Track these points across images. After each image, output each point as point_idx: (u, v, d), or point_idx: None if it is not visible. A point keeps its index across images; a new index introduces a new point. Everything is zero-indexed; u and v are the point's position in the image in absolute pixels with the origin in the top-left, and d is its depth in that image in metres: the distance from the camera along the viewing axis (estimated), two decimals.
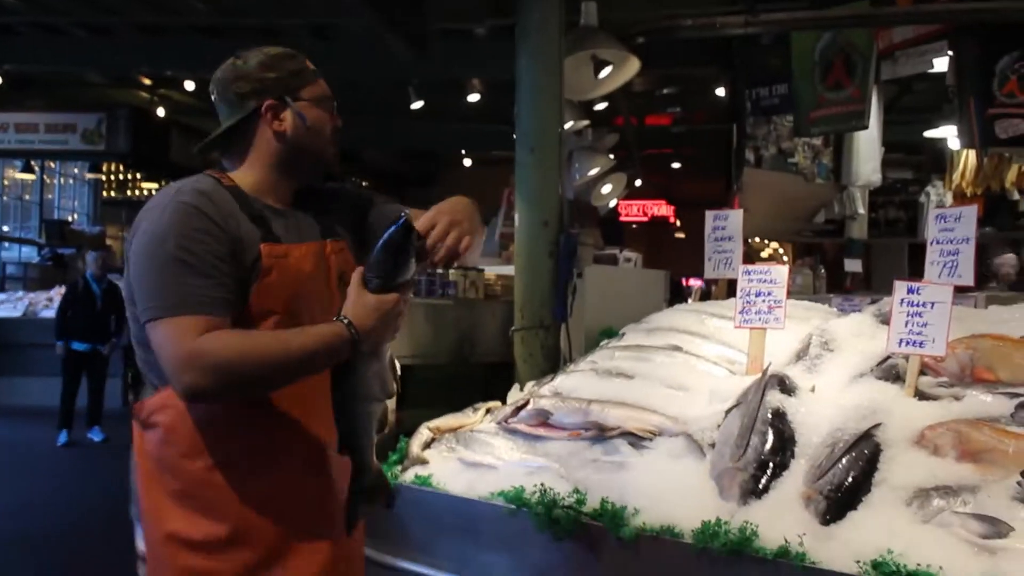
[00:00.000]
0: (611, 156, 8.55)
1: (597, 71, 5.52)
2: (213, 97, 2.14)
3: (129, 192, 18.53)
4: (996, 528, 2.05)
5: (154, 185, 18.14)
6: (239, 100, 2.09)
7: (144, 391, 2.06)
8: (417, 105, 11.23)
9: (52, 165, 18.31)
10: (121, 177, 18.29)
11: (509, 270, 4.30)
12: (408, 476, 3.03)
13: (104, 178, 18.22)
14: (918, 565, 2.02)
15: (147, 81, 13.13)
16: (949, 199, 9.82)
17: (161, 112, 13.62)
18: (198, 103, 13.07)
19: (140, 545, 2.12)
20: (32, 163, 15.73)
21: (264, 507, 2.00)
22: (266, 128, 2.09)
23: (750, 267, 3.26)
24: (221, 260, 1.92)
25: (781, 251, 16.10)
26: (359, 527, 2.22)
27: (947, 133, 7.96)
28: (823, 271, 8.70)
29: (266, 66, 2.09)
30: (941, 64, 6.45)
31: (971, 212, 3.34)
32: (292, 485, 2.05)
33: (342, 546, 2.13)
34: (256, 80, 2.08)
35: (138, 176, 17.82)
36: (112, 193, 18.64)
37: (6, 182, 18.27)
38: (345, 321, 1.90)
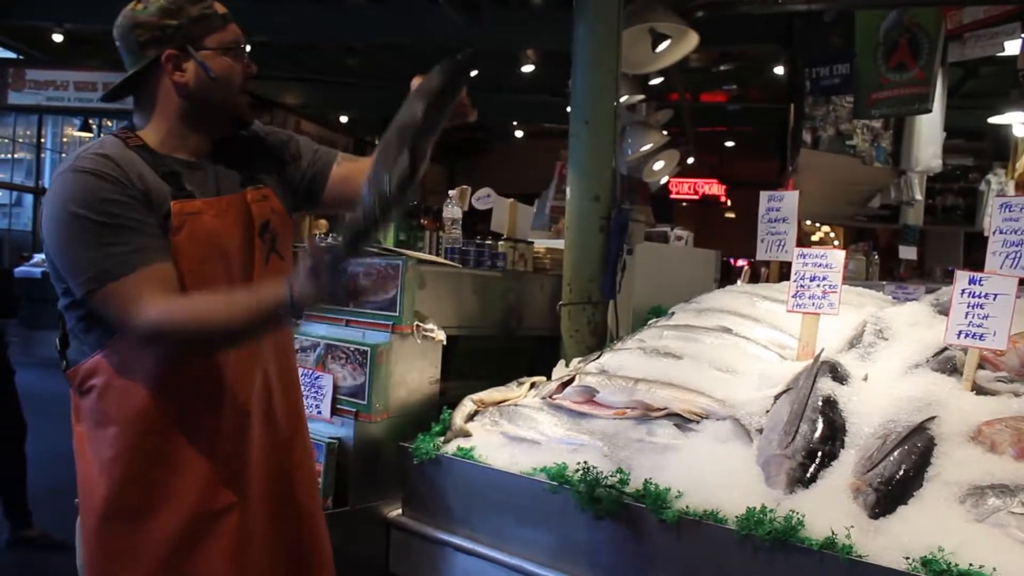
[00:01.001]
0: (664, 132, 8.45)
1: (655, 45, 5.44)
2: (117, 44, 2.03)
3: None
4: None
5: None
6: (139, 49, 1.99)
7: (73, 356, 2.07)
8: (471, 74, 11.18)
9: (109, 124, 18.56)
10: None
11: (559, 244, 4.25)
12: (451, 448, 3.03)
13: None
14: (970, 565, 1.96)
15: None
16: (1011, 188, 9.58)
17: None
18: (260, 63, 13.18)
19: None
20: (90, 121, 15.91)
21: (189, 474, 2.03)
22: (168, 80, 2.01)
23: (805, 250, 3.18)
24: (139, 214, 1.92)
25: (832, 235, 15.88)
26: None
27: (1013, 119, 7.76)
28: (876, 257, 8.55)
29: (166, 12, 1.97)
30: (1012, 47, 6.27)
31: None
32: (216, 451, 2.06)
33: (262, 511, 2.16)
34: (155, 28, 1.97)
35: None
36: None
37: (64, 140, 18.53)
38: (287, 287, 1.86)
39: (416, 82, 2.02)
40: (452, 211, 4.30)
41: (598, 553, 2.61)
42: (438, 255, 4.03)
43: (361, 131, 18.67)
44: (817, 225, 17.00)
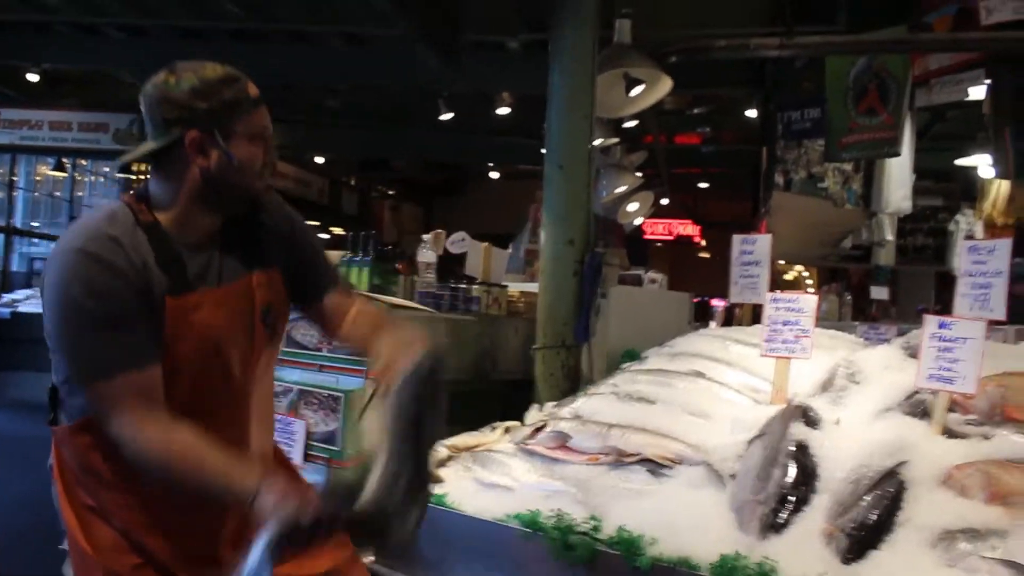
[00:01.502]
0: (639, 174, 8.52)
1: (629, 89, 5.49)
2: (141, 110, 1.97)
3: None
4: None
5: None
6: (164, 125, 1.93)
7: (60, 414, 2.06)
8: (446, 116, 11.25)
9: (83, 163, 18.50)
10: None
11: (533, 287, 4.27)
12: None
13: (134, 178, 18.35)
14: None
15: None
16: (979, 228, 9.70)
17: None
18: None
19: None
20: (64, 161, 15.85)
21: (155, 527, 2.07)
22: (190, 160, 1.94)
23: (778, 295, 3.21)
24: (137, 309, 1.89)
25: (806, 274, 16.01)
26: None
27: (979, 162, 7.89)
28: (849, 297, 8.63)
29: (198, 93, 1.91)
30: (976, 92, 6.39)
31: (1005, 245, 3.28)
32: (185, 511, 2.06)
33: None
34: (184, 107, 1.91)
35: None
36: None
37: (38, 179, 18.44)
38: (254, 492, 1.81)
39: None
40: (426, 255, 4.31)
41: None
42: (412, 299, 4.03)
43: (336, 172, 18.70)
44: (791, 265, 17.15)
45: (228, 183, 1.98)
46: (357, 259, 4.32)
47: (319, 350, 3.81)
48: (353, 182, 20.02)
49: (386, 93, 11.78)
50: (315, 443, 3.64)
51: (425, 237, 4.43)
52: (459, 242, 5.04)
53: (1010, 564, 2.02)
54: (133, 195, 2.02)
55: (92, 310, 1.85)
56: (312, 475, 3.59)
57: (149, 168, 2.03)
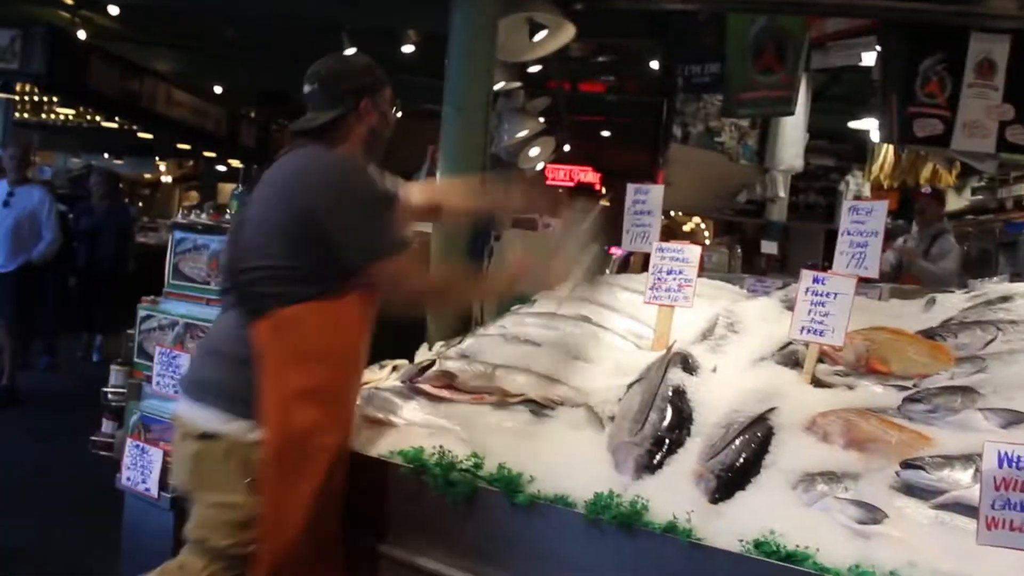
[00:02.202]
0: (541, 119, 8.52)
1: (532, 34, 5.48)
2: (313, 86, 2.69)
3: (44, 115, 17.81)
4: (872, 515, 2.12)
5: (70, 111, 17.40)
6: (343, 95, 2.67)
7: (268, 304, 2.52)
8: (350, 52, 11.01)
9: None
10: (36, 99, 17.55)
11: (427, 227, 4.26)
12: None
13: (16, 98, 17.43)
14: (796, 546, 2.08)
15: (69, 0, 12.56)
16: (867, 189, 10.06)
17: (82, 35, 13.01)
18: (122, 29, 12.58)
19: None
20: None
21: (347, 407, 2.73)
22: (361, 120, 2.69)
23: (664, 244, 3.29)
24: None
25: (703, 226, 16.34)
26: None
27: (869, 125, 8.16)
28: (739, 251, 8.85)
29: (367, 71, 2.74)
30: (869, 58, 6.58)
31: (882, 207, 3.42)
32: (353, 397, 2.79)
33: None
34: (359, 81, 2.70)
35: (53, 100, 17.12)
36: (25, 115, 17.87)
37: None
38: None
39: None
40: None
41: (452, 535, 2.64)
42: None
43: (235, 103, 18.12)
44: (689, 216, 17.48)
45: (383, 136, 2.79)
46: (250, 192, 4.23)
47: (207, 283, 3.75)
48: (253, 114, 19.48)
49: (286, 26, 11.43)
50: None
51: None
52: None
53: (859, 504, 2.15)
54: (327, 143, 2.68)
55: (379, 196, 2.66)
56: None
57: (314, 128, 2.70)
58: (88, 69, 13.37)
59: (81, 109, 17.26)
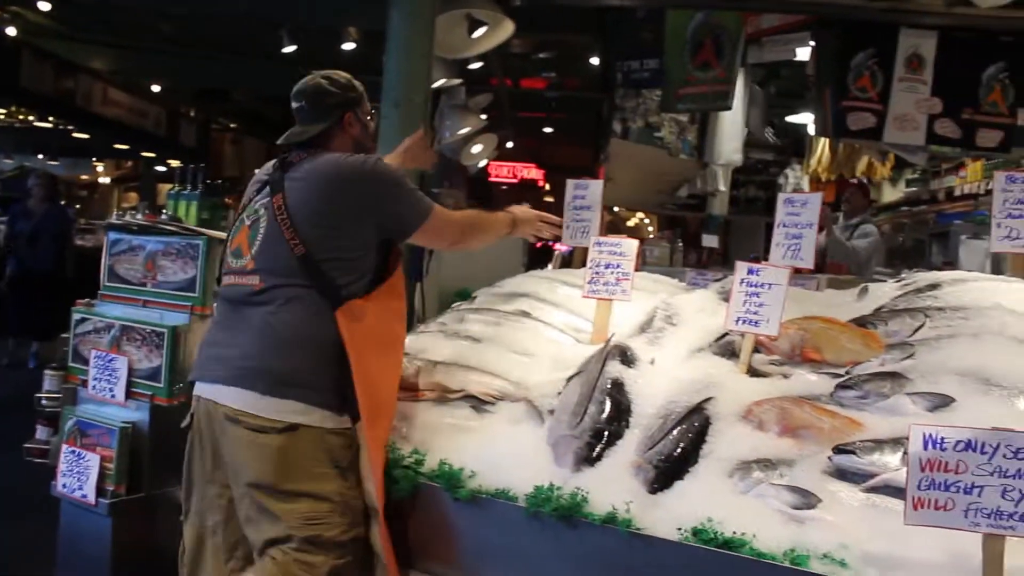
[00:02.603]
0: (483, 116, 8.51)
1: (471, 31, 5.48)
2: (301, 103, 2.91)
3: None
4: (806, 499, 2.17)
5: (1, 110, 16.97)
6: (329, 109, 2.89)
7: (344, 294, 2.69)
8: (289, 49, 10.89)
9: None
10: None
11: None
12: None
13: None
14: (734, 533, 2.12)
15: None
16: (806, 182, 10.23)
17: (12, 31, 12.67)
18: (55, 25, 12.28)
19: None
20: None
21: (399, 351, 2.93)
22: (345, 131, 2.92)
23: (601, 239, 3.32)
24: None
25: (647, 222, 16.46)
26: None
27: (806, 120, 8.29)
28: (680, 244, 8.94)
29: (350, 87, 2.94)
30: (804, 54, 6.69)
31: (816, 199, 3.49)
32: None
33: None
34: (342, 96, 2.91)
35: None
36: None
37: None
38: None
39: None
40: None
41: (395, 532, 2.64)
42: None
43: (174, 101, 17.82)
44: (632, 213, 17.62)
45: (365, 145, 2.99)
46: (186, 192, 4.19)
47: (143, 285, 3.70)
48: (193, 113, 19.17)
49: (224, 21, 11.25)
50: (137, 379, 3.56)
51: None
52: None
53: (794, 489, 2.20)
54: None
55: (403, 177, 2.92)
56: (135, 412, 3.52)
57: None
58: (19, 67, 13.02)
59: (13, 108, 16.80)
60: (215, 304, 3.14)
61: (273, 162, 2.96)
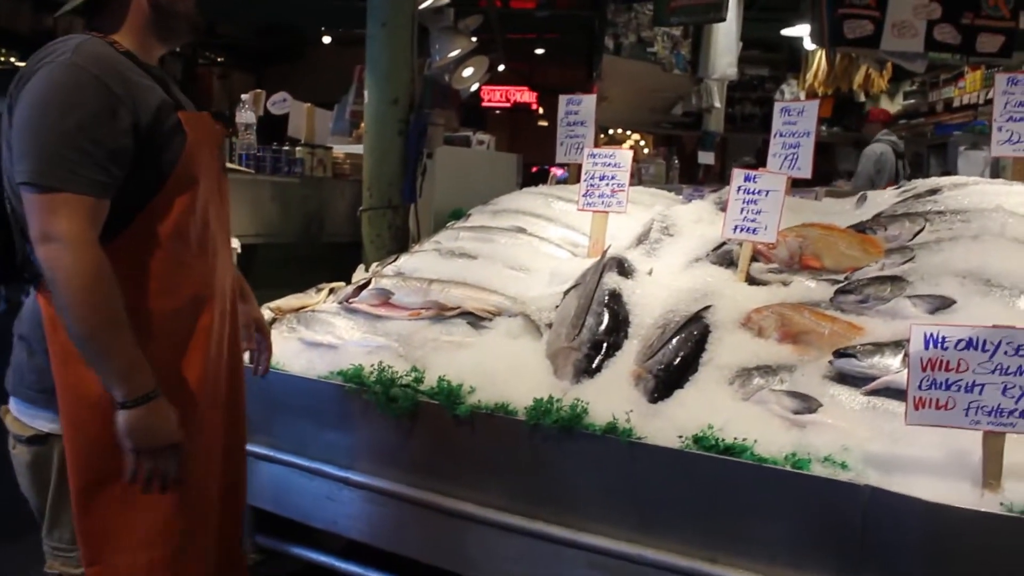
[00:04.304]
0: (473, 39, 8.34)
1: None
2: None
3: None
4: (807, 404, 2.17)
5: None
6: None
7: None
8: None
9: None
10: None
11: (359, 149, 4.19)
12: (246, 357, 2.96)
13: None
14: (735, 439, 2.11)
15: None
16: (803, 98, 10.12)
17: None
18: None
19: (40, 425, 2.00)
20: None
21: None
22: None
23: (596, 150, 3.27)
24: (120, 141, 1.85)
25: (643, 143, 16.33)
26: None
27: (802, 32, 8.14)
28: (676, 162, 8.86)
29: None
30: None
31: (813, 107, 3.44)
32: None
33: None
34: None
35: None
36: None
37: None
38: (148, 395, 1.85)
39: None
40: (245, 116, 4.14)
41: (397, 451, 2.65)
42: (232, 162, 3.89)
43: None
44: (627, 133, 17.43)
45: (174, 10, 2.04)
46: None
47: None
48: (177, 48, 18.87)
49: None
50: None
51: (244, 97, 4.24)
52: (280, 103, 4.85)
53: (794, 394, 2.19)
54: (95, 33, 1.98)
55: (80, 129, 1.80)
56: None
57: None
58: None
59: None
60: None
61: None
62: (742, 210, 2.85)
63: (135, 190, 1.89)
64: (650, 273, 2.88)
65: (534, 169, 10.15)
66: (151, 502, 1.95)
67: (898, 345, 2.23)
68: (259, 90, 4.45)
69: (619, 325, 2.59)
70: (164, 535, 2.00)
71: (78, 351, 1.84)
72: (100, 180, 1.82)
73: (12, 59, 16.77)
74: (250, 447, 2.92)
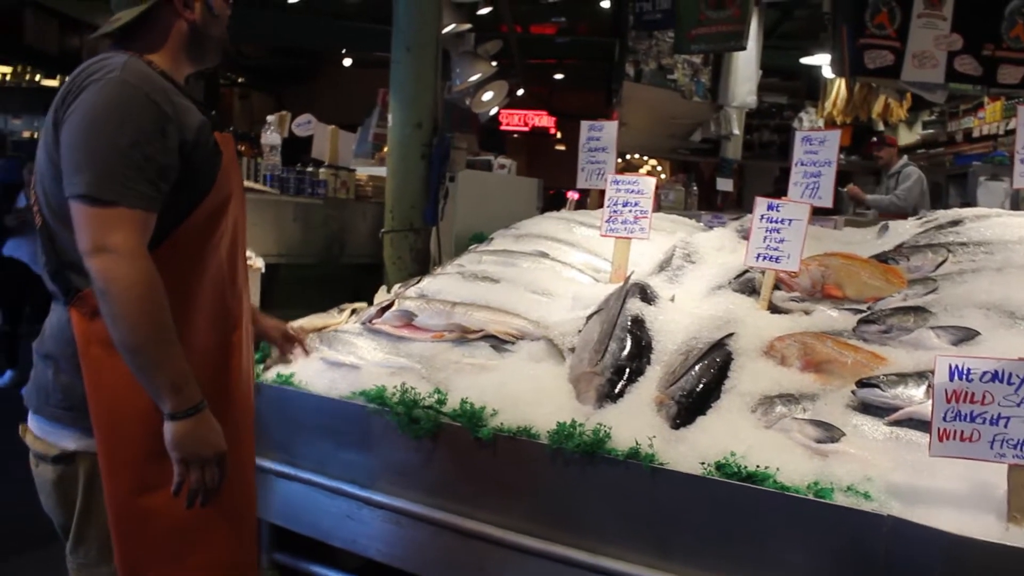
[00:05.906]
0: (493, 63, 8.41)
1: None
2: None
3: None
4: (829, 433, 2.16)
5: (6, 69, 16.84)
6: None
7: (76, 279, 1.94)
8: None
9: None
10: None
11: (381, 171, 4.23)
12: (270, 375, 2.99)
13: None
14: (757, 466, 2.11)
15: None
16: (821, 126, 10.13)
17: None
18: None
19: (67, 444, 2.01)
20: None
21: None
22: (176, 16, 2.08)
23: (619, 176, 3.29)
24: (169, 157, 1.91)
25: (660, 168, 16.36)
26: None
27: (822, 61, 8.18)
28: (695, 188, 8.88)
29: None
30: None
31: (834, 136, 3.44)
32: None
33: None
34: None
35: None
36: None
37: None
38: (197, 407, 1.90)
39: None
40: (271, 137, 4.18)
41: (418, 472, 2.65)
42: (257, 182, 3.93)
43: None
44: (645, 158, 17.49)
45: (210, 33, 2.14)
46: None
47: None
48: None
49: None
50: None
51: (270, 119, 4.28)
52: (305, 124, 4.90)
53: (817, 423, 2.19)
54: (133, 54, 2.02)
55: (133, 145, 1.85)
56: None
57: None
58: (23, 25, 12.90)
59: (19, 68, 16.66)
60: None
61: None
62: (765, 238, 2.86)
63: (175, 205, 1.94)
64: (672, 300, 2.89)
65: (551, 192, 10.21)
66: (195, 514, 1.96)
67: (921, 376, 2.23)
68: (284, 112, 4.49)
69: (642, 351, 2.59)
70: (208, 547, 2.06)
71: (123, 364, 1.86)
72: (151, 195, 1.87)
73: (38, 78, 17.02)
74: (271, 464, 2.96)
